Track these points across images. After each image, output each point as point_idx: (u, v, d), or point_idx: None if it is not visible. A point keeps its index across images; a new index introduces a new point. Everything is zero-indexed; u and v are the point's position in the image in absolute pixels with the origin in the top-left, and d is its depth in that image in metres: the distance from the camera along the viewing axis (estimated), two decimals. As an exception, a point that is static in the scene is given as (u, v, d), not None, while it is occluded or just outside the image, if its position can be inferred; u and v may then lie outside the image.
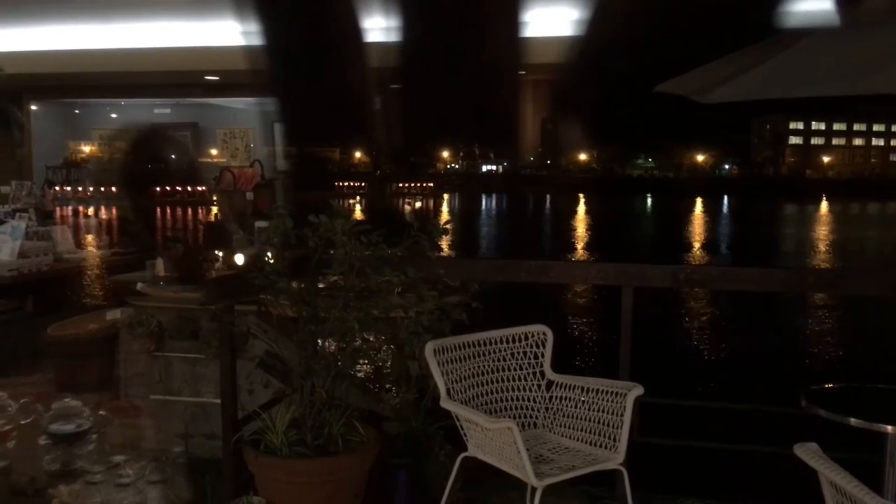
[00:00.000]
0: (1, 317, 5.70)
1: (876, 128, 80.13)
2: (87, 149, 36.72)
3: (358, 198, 35.95)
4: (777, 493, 4.50)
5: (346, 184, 39.13)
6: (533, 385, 3.16)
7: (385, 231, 3.18)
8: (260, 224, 4.93)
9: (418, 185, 43.86)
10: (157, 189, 28.83)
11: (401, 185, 42.21)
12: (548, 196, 53.47)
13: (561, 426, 3.07)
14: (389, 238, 3.17)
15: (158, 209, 28.56)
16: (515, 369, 3.17)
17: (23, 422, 3.72)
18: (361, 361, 3.34)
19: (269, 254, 3.14)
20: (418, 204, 39.28)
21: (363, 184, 38.99)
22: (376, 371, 3.64)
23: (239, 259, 4.87)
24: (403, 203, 38.55)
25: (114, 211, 28.55)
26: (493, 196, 55.52)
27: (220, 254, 4.96)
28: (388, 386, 3.47)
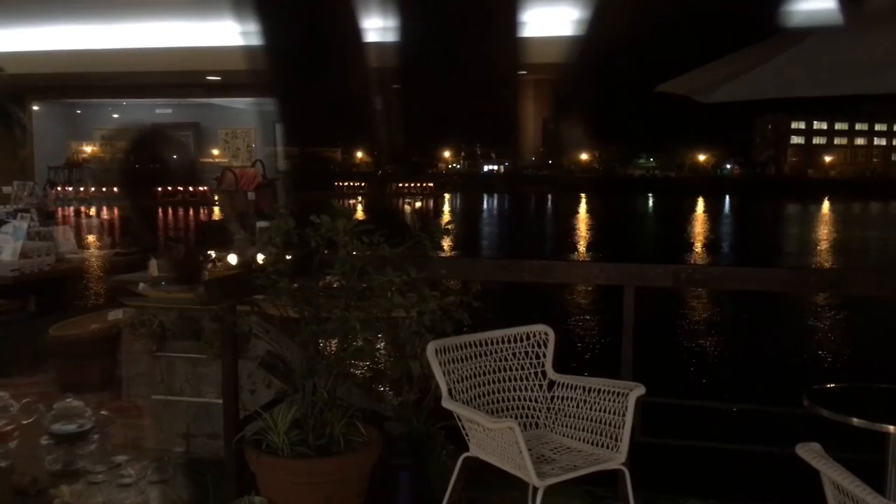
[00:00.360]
0: (3, 317, 5.70)
1: (878, 127, 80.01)
2: (88, 149, 36.77)
3: (359, 198, 35.96)
4: (779, 494, 4.50)
5: (345, 184, 39.13)
6: (535, 385, 3.16)
7: (385, 232, 3.19)
8: (262, 224, 4.93)
9: (418, 185, 43.80)
10: (159, 189, 28.84)
11: (400, 185, 42.20)
12: (549, 196, 53.43)
13: (563, 426, 3.07)
14: (389, 239, 3.17)
15: (160, 209, 28.58)
16: (517, 369, 3.17)
17: (25, 422, 3.73)
18: (363, 362, 3.34)
19: (261, 254, 3.14)
20: (418, 204, 39.24)
21: (362, 184, 38.99)
22: (378, 371, 3.65)
23: (232, 259, 4.87)
24: (403, 203, 38.54)
25: (115, 211, 28.58)
26: (495, 196, 55.49)
27: (213, 254, 4.94)
28: (389, 386, 3.47)
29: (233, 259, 4.80)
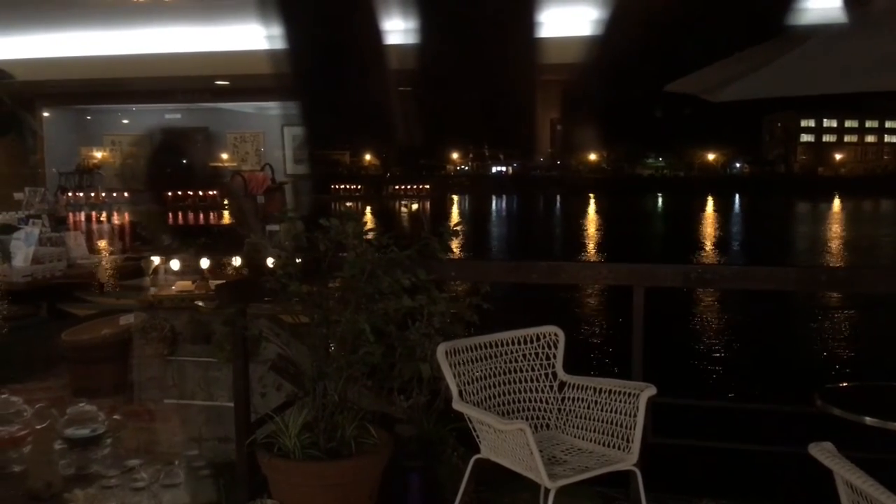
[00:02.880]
0: (16, 322, 5.73)
1: (888, 124, 79.59)
2: (99, 154, 36.97)
3: (355, 202, 35.99)
4: (791, 494, 4.48)
5: (342, 186, 39.22)
6: (545, 386, 3.15)
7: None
8: (271, 227, 4.95)
9: (413, 187, 43.54)
10: (169, 194, 28.88)
11: (396, 187, 42.23)
12: (558, 196, 53.39)
13: (574, 427, 3.06)
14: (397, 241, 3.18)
15: (170, 214, 28.63)
16: (527, 370, 3.16)
17: (38, 427, 3.75)
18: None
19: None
20: (414, 206, 39.07)
21: (359, 186, 39.07)
22: (388, 373, 3.64)
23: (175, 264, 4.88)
24: (400, 206, 38.52)
25: (126, 216, 28.67)
26: (504, 197, 55.48)
27: (157, 259, 4.96)
28: (399, 389, 3.47)
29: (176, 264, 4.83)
